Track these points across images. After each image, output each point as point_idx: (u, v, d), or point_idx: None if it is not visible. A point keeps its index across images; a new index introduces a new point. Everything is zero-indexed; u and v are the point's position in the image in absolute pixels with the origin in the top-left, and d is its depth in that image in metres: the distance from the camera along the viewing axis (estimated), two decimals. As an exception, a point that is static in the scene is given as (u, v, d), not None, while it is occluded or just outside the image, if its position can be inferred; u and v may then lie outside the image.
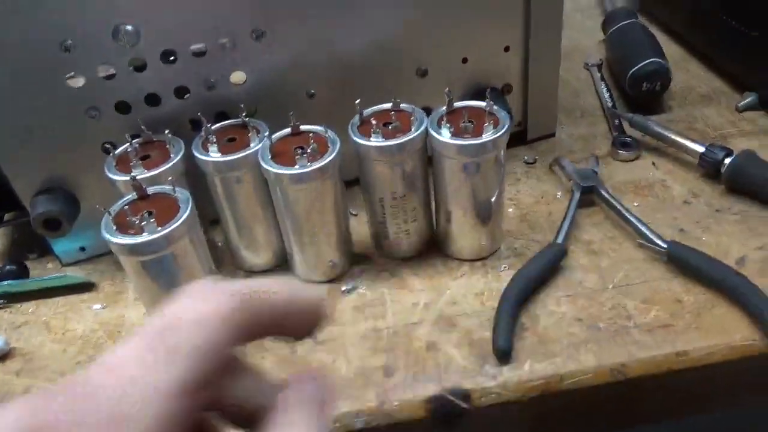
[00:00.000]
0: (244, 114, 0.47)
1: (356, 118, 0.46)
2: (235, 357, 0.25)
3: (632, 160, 0.58)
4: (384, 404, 0.41)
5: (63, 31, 0.44)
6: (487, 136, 0.43)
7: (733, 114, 0.63)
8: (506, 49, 0.55)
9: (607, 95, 0.67)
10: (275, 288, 0.24)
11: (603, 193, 0.52)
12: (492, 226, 0.49)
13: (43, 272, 0.55)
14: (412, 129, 0.44)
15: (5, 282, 0.52)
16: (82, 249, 0.54)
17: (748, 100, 0.62)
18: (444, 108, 0.46)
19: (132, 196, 0.42)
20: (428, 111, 0.47)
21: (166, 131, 0.47)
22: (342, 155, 0.45)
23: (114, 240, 0.39)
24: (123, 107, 0.48)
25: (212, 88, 0.50)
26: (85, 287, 0.53)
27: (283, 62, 0.50)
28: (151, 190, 0.43)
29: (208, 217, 0.51)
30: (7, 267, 0.53)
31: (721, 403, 0.45)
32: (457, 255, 0.50)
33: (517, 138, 0.62)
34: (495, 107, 0.45)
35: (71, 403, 0.20)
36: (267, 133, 0.46)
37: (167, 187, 0.42)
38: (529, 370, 0.41)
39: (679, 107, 0.65)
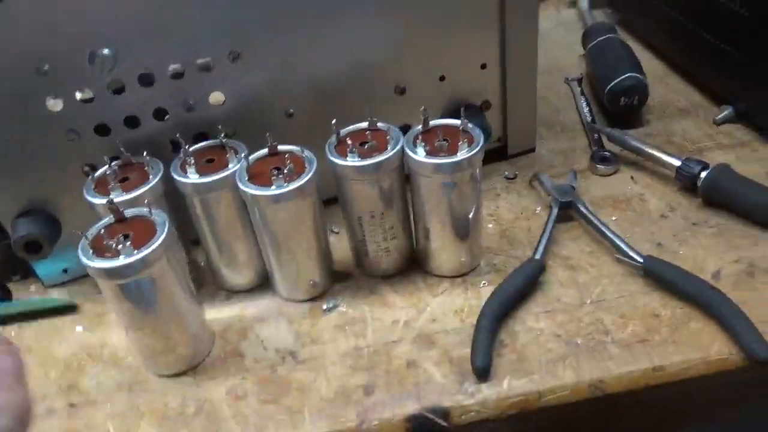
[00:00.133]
0: (222, 135, 0.47)
1: (333, 138, 0.46)
2: None
3: (611, 175, 0.59)
4: (363, 423, 0.41)
5: (40, 56, 0.44)
6: (462, 155, 0.43)
7: (711, 127, 0.64)
8: (483, 66, 0.56)
9: (586, 110, 0.67)
10: None
11: (581, 208, 0.53)
12: (471, 242, 0.49)
13: (26, 294, 0.55)
14: (388, 148, 0.45)
15: (-13, 305, 0.52)
16: (65, 271, 0.54)
17: (725, 113, 0.63)
18: (419, 127, 0.46)
19: (109, 219, 0.42)
20: (407, 128, 0.47)
21: (144, 153, 0.47)
22: (320, 174, 0.45)
23: (91, 264, 0.40)
24: (102, 130, 0.49)
25: (191, 110, 0.50)
26: (68, 309, 0.53)
27: (260, 83, 0.51)
28: (128, 212, 0.43)
29: (189, 237, 0.51)
30: (-11, 290, 0.53)
31: (698, 419, 0.45)
32: (437, 272, 0.50)
33: (498, 153, 0.62)
34: (470, 125, 0.45)
35: None
36: (245, 154, 0.46)
37: (144, 210, 0.43)
38: (507, 387, 0.42)
39: (658, 121, 0.65)
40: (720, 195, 0.52)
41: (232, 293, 0.52)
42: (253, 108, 0.51)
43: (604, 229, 0.50)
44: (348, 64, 0.52)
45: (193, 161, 0.45)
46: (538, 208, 0.56)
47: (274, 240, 0.46)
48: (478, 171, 0.45)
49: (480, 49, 0.55)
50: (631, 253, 0.48)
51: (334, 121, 0.46)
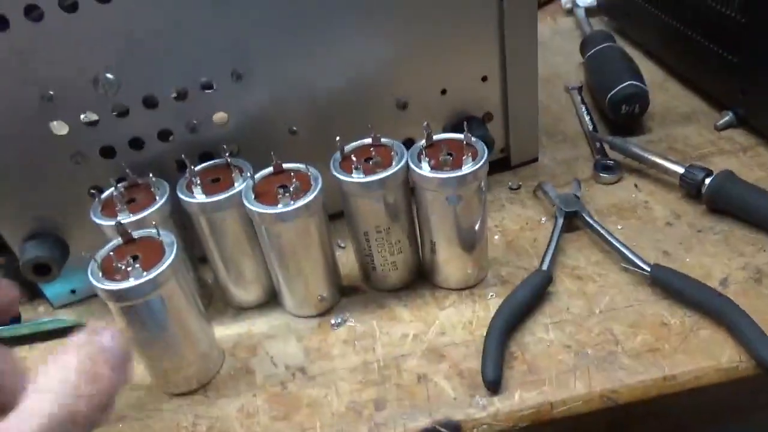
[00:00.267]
0: (227, 154, 0.48)
1: (337, 155, 0.47)
2: None
3: (614, 183, 0.59)
4: (375, 439, 0.41)
5: (44, 81, 0.45)
6: (467, 168, 0.43)
7: (713, 133, 0.64)
8: (484, 78, 0.56)
9: (587, 118, 0.67)
10: None
11: (586, 217, 0.53)
12: (477, 254, 0.49)
13: (34, 315, 0.55)
14: (393, 163, 0.45)
15: (-4, 327, 0.52)
16: (73, 291, 0.55)
17: (726, 118, 0.63)
18: (423, 141, 0.46)
19: (118, 240, 0.43)
20: (411, 142, 0.47)
21: (150, 174, 0.47)
22: (325, 190, 0.45)
23: (101, 286, 0.40)
24: (107, 152, 0.49)
25: (195, 130, 0.50)
26: (77, 329, 0.52)
27: (263, 102, 0.51)
28: (136, 234, 0.43)
29: (197, 256, 0.51)
30: (-3, 313, 0.53)
31: (711, 428, 0.45)
32: (445, 284, 0.50)
33: (501, 164, 0.62)
34: (473, 138, 0.45)
35: None
36: (250, 173, 0.46)
37: (152, 231, 0.43)
38: (519, 399, 0.42)
39: (660, 128, 0.66)
40: (724, 201, 0.52)
41: (241, 310, 0.52)
42: (256, 127, 0.52)
43: (610, 238, 0.50)
44: (349, 81, 0.52)
45: (198, 181, 0.46)
46: (543, 218, 0.56)
47: (281, 257, 0.47)
48: (483, 183, 0.46)
49: (480, 62, 0.55)
50: (638, 262, 0.48)
51: (338, 138, 0.46)
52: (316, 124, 0.53)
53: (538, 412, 0.41)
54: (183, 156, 0.47)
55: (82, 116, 0.47)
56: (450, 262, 0.49)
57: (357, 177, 0.44)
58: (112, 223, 0.43)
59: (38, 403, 0.27)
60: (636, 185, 0.58)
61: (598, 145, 0.63)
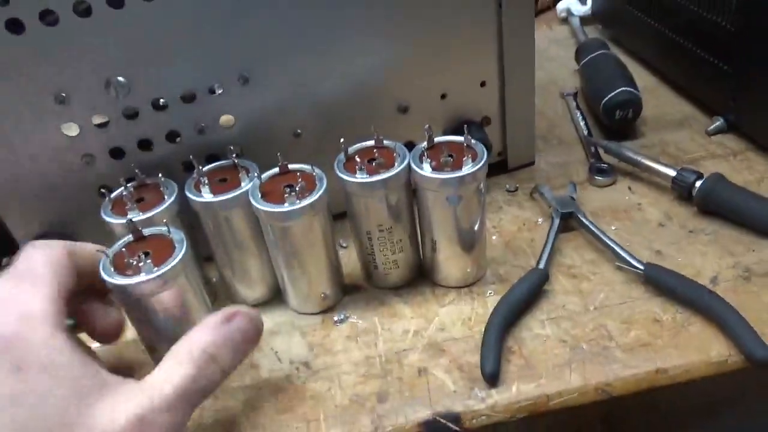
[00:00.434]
0: (234, 155, 0.49)
1: (341, 156, 0.48)
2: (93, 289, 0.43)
3: (609, 186, 0.60)
4: (378, 430, 0.42)
5: (57, 84, 0.46)
6: (467, 169, 0.45)
7: (704, 138, 0.66)
8: (482, 84, 0.58)
9: (582, 123, 0.69)
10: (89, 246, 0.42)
11: (581, 218, 0.54)
12: (476, 253, 0.51)
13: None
14: (395, 164, 0.47)
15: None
16: (79, 290, 0.56)
17: (717, 124, 0.65)
18: (425, 143, 0.48)
19: (129, 237, 0.44)
20: (411, 144, 0.49)
21: (159, 174, 0.48)
22: (329, 191, 0.47)
23: (112, 281, 0.41)
24: (117, 153, 0.50)
25: (202, 132, 0.52)
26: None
27: (269, 105, 0.52)
28: (146, 231, 0.44)
29: (203, 254, 0.52)
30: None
31: (701, 419, 0.47)
32: (444, 283, 0.52)
33: (499, 167, 0.64)
34: (473, 141, 0.47)
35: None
36: (256, 173, 0.48)
37: (162, 228, 0.44)
38: (516, 391, 0.43)
39: (653, 132, 0.68)
40: (714, 203, 0.54)
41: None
42: (262, 129, 0.53)
43: (604, 238, 0.52)
44: (353, 86, 0.54)
45: (206, 181, 0.47)
46: (540, 220, 0.58)
47: (286, 255, 0.48)
48: (482, 184, 0.47)
49: (479, 68, 0.57)
50: (632, 261, 0.49)
51: (342, 140, 0.48)
52: (320, 128, 0.55)
53: (535, 403, 0.42)
54: (191, 157, 0.48)
55: (92, 118, 0.49)
56: (450, 261, 0.50)
57: (360, 177, 0.46)
58: (123, 221, 0.44)
59: (176, 366, 0.37)
60: (630, 188, 0.60)
61: (592, 149, 0.65)
